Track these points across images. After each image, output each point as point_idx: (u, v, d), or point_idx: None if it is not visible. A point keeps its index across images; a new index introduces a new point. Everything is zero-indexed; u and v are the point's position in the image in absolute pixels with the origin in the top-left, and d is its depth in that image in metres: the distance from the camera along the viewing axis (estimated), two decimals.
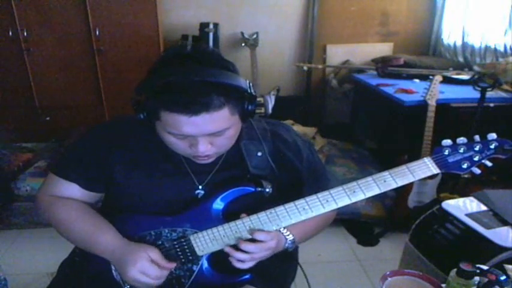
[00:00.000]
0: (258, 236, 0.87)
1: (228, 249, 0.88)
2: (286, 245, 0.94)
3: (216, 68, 0.81)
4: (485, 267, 0.87)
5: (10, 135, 2.94)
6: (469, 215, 1.43)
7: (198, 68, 0.79)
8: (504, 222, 1.39)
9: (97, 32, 2.99)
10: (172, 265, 0.90)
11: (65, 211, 0.97)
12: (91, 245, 0.94)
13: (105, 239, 0.92)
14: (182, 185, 0.95)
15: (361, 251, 2.25)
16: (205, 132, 0.82)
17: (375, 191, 0.85)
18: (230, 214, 0.92)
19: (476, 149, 0.85)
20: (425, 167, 0.85)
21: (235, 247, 0.88)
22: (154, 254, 0.89)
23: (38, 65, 3.05)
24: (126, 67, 3.11)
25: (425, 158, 0.86)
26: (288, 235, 0.94)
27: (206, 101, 0.77)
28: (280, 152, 0.99)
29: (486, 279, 0.83)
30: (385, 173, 0.86)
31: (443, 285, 0.82)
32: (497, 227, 1.36)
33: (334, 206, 0.86)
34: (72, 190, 0.98)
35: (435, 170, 0.86)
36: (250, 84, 0.86)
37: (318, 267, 2.08)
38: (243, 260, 0.88)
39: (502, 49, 2.70)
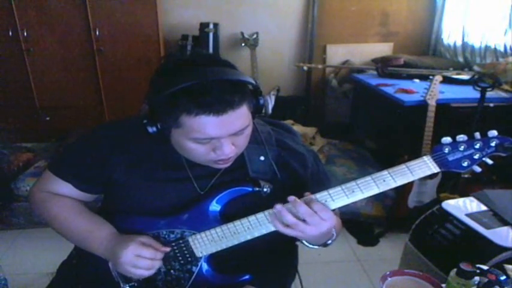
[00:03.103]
0: (316, 206, 0.81)
1: (279, 207, 0.82)
2: (329, 241, 0.91)
3: (224, 67, 0.82)
4: (485, 267, 0.87)
5: (10, 135, 2.94)
6: (469, 215, 1.43)
7: (211, 69, 0.79)
8: (504, 222, 1.39)
9: (97, 32, 2.99)
10: (166, 249, 0.90)
11: (58, 207, 0.97)
12: (85, 241, 0.94)
13: (99, 233, 0.92)
14: (183, 190, 0.95)
15: (361, 251, 2.25)
16: (231, 132, 0.81)
17: (374, 190, 0.85)
18: (228, 215, 0.92)
19: (477, 146, 0.84)
20: (425, 166, 0.84)
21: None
22: (145, 238, 0.89)
23: (38, 65, 3.05)
24: (126, 67, 3.11)
25: (424, 157, 0.85)
26: (335, 229, 0.90)
27: (229, 98, 0.78)
28: (285, 160, 0.98)
29: (486, 279, 0.83)
30: (385, 173, 0.85)
31: (443, 285, 0.82)
32: (497, 227, 1.36)
33: (332, 206, 0.85)
34: (67, 189, 0.99)
35: (435, 168, 0.85)
36: (255, 80, 0.87)
37: (318, 267, 2.08)
38: (289, 224, 0.81)
39: (502, 49, 2.70)
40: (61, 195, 0.99)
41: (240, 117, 0.81)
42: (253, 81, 0.85)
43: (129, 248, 0.86)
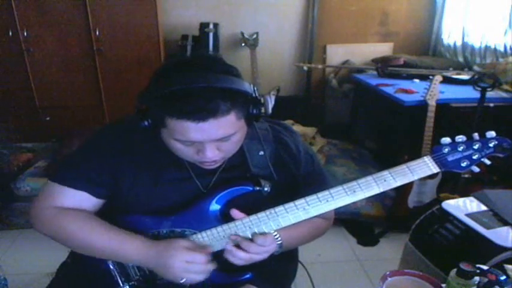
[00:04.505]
0: (259, 240, 0.87)
1: (229, 247, 0.88)
2: (275, 248, 0.93)
3: (220, 73, 0.80)
4: (485, 267, 0.87)
5: (10, 135, 2.94)
6: (469, 215, 1.43)
7: (202, 75, 0.78)
8: (504, 222, 1.39)
9: (97, 32, 2.98)
10: (208, 251, 0.89)
11: (75, 223, 0.91)
12: (117, 254, 0.90)
13: (134, 245, 0.89)
14: (187, 189, 0.95)
15: (361, 251, 2.25)
16: (212, 138, 0.81)
17: (375, 190, 0.85)
18: (229, 214, 0.92)
19: (476, 147, 0.86)
20: (425, 166, 0.86)
21: (237, 245, 0.88)
22: (186, 242, 0.88)
23: (38, 65, 3.05)
24: (126, 67, 3.11)
25: (425, 157, 0.86)
26: (277, 238, 0.92)
27: (213, 107, 0.76)
28: (280, 156, 0.99)
29: (486, 279, 0.83)
30: (385, 172, 0.86)
31: (443, 285, 0.82)
32: (497, 227, 1.36)
33: (333, 206, 0.86)
34: (78, 199, 0.93)
35: (435, 169, 0.86)
36: (255, 88, 0.85)
37: (318, 267, 2.08)
38: (243, 259, 0.88)
39: (502, 49, 2.70)
40: (71, 209, 0.93)
41: (224, 126, 0.79)
42: (249, 90, 0.82)
43: (178, 257, 0.84)
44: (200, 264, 0.86)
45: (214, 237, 0.90)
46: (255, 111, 0.85)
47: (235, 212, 0.89)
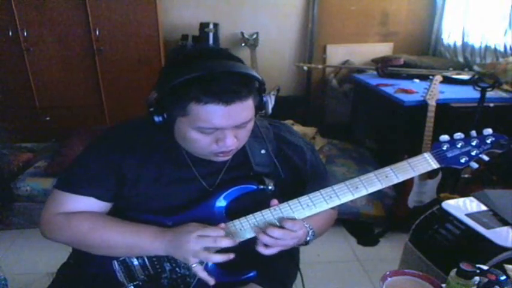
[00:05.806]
0: (287, 224, 0.86)
1: (256, 230, 0.87)
2: (308, 237, 0.94)
3: (233, 61, 0.84)
4: (485, 267, 0.87)
5: (10, 135, 2.94)
6: (469, 215, 1.43)
7: (219, 61, 0.81)
8: (504, 222, 1.39)
9: (97, 32, 2.99)
10: (222, 225, 0.88)
11: (90, 223, 0.91)
12: (135, 245, 0.90)
13: (150, 232, 0.89)
14: (191, 189, 0.95)
15: (361, 251, 2.25)
16: (236, 123, 0.83)
17: (377, 186, 0.87)
18: (233, 212, 0.93)
19: (474, 144, 0.88)
20: (425, 162, 0.88)
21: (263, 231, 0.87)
22: (195, 223, 0.88)
23: (38, 65, 3.05)
24: (126, 67, 3.11)
25: (425, 154, 0.88)
26: (310, 227, 0.93)
27: (237, 89, 0.80)
28: (284, 153, 1.00)
29: (486, 279, 0.83)
30: (387, 169, 0.88)
31: (443, 285, 0.82)
32: (497, 227, 1.36)
33: (337, 202, 0.87)
34: (88, 204, 0.93)
35: (435, 164, 0.88)
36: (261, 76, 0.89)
37: (317, 268, 2.08)
38: (268, 244, 0.86)
39: (502, 49, 2.70)
40: (80, 212, 0.93)
41: (246, 109, 0.83)
42: (260, 78, 0.86)
43: (192, 235, 0.84)
44: (214, 237, 0.84)
45: (242, 226, 0.89)
46: (264, 98, 0.89)
47: (274, 201, 0.90)
